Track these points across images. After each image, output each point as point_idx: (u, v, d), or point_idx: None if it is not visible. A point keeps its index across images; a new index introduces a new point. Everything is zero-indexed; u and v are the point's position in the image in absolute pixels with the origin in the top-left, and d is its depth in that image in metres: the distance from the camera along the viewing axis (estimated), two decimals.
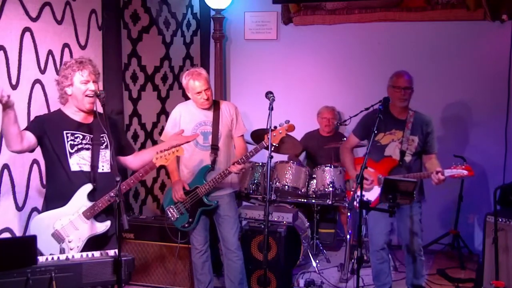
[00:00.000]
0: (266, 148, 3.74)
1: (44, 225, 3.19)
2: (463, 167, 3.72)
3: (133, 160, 3.56)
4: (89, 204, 3.24)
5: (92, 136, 3.28)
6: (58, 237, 3.19)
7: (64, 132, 3.22)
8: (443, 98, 5.63)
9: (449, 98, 5.63)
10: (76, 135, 3.25)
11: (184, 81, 4.05)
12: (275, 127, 3.79)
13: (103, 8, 4.56)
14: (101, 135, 3.31)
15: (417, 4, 5.71)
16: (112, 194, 3.06)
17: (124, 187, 3.34)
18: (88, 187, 3.23)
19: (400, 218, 4.08)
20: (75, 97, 3.22)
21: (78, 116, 3.27)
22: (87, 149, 3.27)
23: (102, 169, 3.30)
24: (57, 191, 3.25)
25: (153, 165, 3.38)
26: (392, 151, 4.04)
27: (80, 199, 3.22)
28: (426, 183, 4.11)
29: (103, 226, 3.25)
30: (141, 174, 3.40)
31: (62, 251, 3.12)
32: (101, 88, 3.37)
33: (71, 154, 3.22)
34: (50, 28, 3.97)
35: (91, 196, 3.24)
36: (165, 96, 5.69)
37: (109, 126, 3.22)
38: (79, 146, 3.25)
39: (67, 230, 3.20)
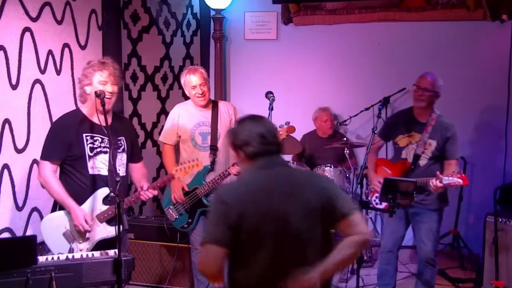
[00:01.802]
0: None
1: (56, 224, 3.22)
2: (459, 176, 3.67)
3: (136, 169, 3.56)
4: (103, 208, 3.25)
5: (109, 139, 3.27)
6: (69, 237, 3.21)
7: (84, 135, 3.22)
8: (443, 98, 5.54)
9: (449, 98, 5.58)
10: (95, 138, 3.26)
11: (182, 79, 4.07)
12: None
13: (103, 8, 4.56)
14: (119, 139, 3.32)
15: (417, 4, 5.71)
16: (113, 194, 3.06)
17: (143, 197, 3.38)
18: (104, 191, 3.24)
19: (415, 223, 4.01)
20: (92, 96, 3.21)
21: (96, 118, 3.25)
22: (105, 152, 3.26)
23: (123, 173, 3.33)
24: (72, 193, 3.22)
25: (171, 176, 3.48)
26: (408, 154, 3.97)
27: (96, 202, 3.23)
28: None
29: (113, 231, 3.22)
30: (159, 184, 3.46)
31: (71, 250, 3.16)
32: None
33: (90, 157, 3.23)
34: (50, 28, 3.97)
35: (106, 200, 3.25)
36: (165, 96, 5.69)
37: (126, 129, 3.33)
38: (98, 150, 3.26)
39: (79, 231, 3.21)
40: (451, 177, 3.64)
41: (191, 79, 4.00)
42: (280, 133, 3.79)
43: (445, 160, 3.94)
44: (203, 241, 2.30)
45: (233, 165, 3.90)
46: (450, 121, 4.00)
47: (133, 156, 3.54)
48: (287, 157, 5.48)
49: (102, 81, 3.22)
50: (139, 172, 3.60)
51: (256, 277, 2.29)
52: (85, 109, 3.30)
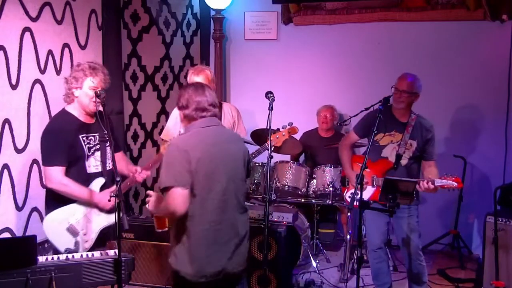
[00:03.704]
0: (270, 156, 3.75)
1: (59, 221, 3.26)
2: (453, 178, 3.67)
3: (118, 158, 3.56)
4: None
5: (98, 134, 3.36)
6: (73, 231, 3.25)
7: (80, 136, 3.29)
8: (443, 98, 5.62)
9: (449, 98, 5.63)
10: (89, 137, 3.34)
11: (188, 77, 4.09)
12: (278, 129, 3.78)
13: (103, 8, 4.57)
14: (104, 132, 3.36)
15: (417, 4, 5.71)
16: (113, 194, 3.06)
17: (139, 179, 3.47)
18: (100, 181, 3.32)
19: (396, 220, 4.04)
20: (81, 100, 3.28)
21: (85, 117, 3.34)
22: (98, 149, 3.36)
23: (109, 166, 3.40)
24: None
25: (162, 155, 3.43)
26: (389, 153, 4.01)
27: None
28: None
29: (113, 217, 3.28)
30: (150, 164, 3.54)
31: (76, 244, 3.22)
32: None
33: (88, 156, 3.31)
34: (50, 28, 3.97)
35: (102, 190, 3.31)
36: (165, 96, 5.69)
37: (109, 124, 3.31)
38: (94, 148, 3.34)
39: (82, 224, 3.27)
40: (445, 180, 3.65)
41: (195, 80, 3.98)
42: (283, 134, 3.79)
43: (423, 161, 4.01)
44: (166, 187, 2.71)
45: None
46: (430, 123, 4.05)
47: (115, 146, 3.54)
48: (287, 157, 5.47)
49: (93, 86, 3.27)
50: (123, 160, 3.68)
51: (210, 212, 2.79)
52: (73, 110, 3.33)
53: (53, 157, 3.21)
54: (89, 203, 3.28)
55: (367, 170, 4.05)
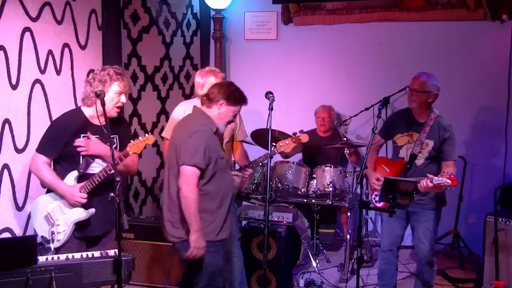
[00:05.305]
0: (271, 155, 3.74)
1: (40, 207, 3.34)
2: (448, 176, 3.68)
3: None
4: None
5: (101, 136, 3.34)
6: (49, 220, 3.30)
7: (82, 135, 3.30)
8: (443, 98, 5.55)
9: (449, 98, 5.60)
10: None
11: (199, 77, 3.99)
12: (289, 135, 3.77)
13: (103, 8, 4.57)
14: (113, 136, 3.35)
15: (417, 4, 5.72)
16: (112, 194, 3.06)
17: (102, 173, 3.29)
18: (74, 173, 3.30)
19: (413, 223, 4.02)
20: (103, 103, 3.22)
21: (97, 120, 3.32)
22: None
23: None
24: None
25: (126, 153, 3.33)
26: (405, 153, 3.97)
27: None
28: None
29: (85, 213, 3.29)
30: (116, 162, 3.31)
31: (52, 234, 3.26)
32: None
33: (83, 157, 3.31)
34: (50, 28, 3.97)
35: (78, 182, 3.30)
36: (165, 96, 5.69)
37: (122, 128, 3.39)
38: None
39: (56, 214, 3.30)
40: (441, 178, 3.64)
41: (213, 82, 3.91)
42: (293, 140, 3.76)
43: (442, 161, 3.94)
44: None
45: (245, 167, 3.88)
46: (448, 122, 3.98)
47: (121, 148, 3.53)
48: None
49: (119, 91, 3.30)
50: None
51: None
52: (87, 111, 3.34)
53: (45, 147, 3.30)
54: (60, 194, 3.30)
55: (387, 170, 4.05)
